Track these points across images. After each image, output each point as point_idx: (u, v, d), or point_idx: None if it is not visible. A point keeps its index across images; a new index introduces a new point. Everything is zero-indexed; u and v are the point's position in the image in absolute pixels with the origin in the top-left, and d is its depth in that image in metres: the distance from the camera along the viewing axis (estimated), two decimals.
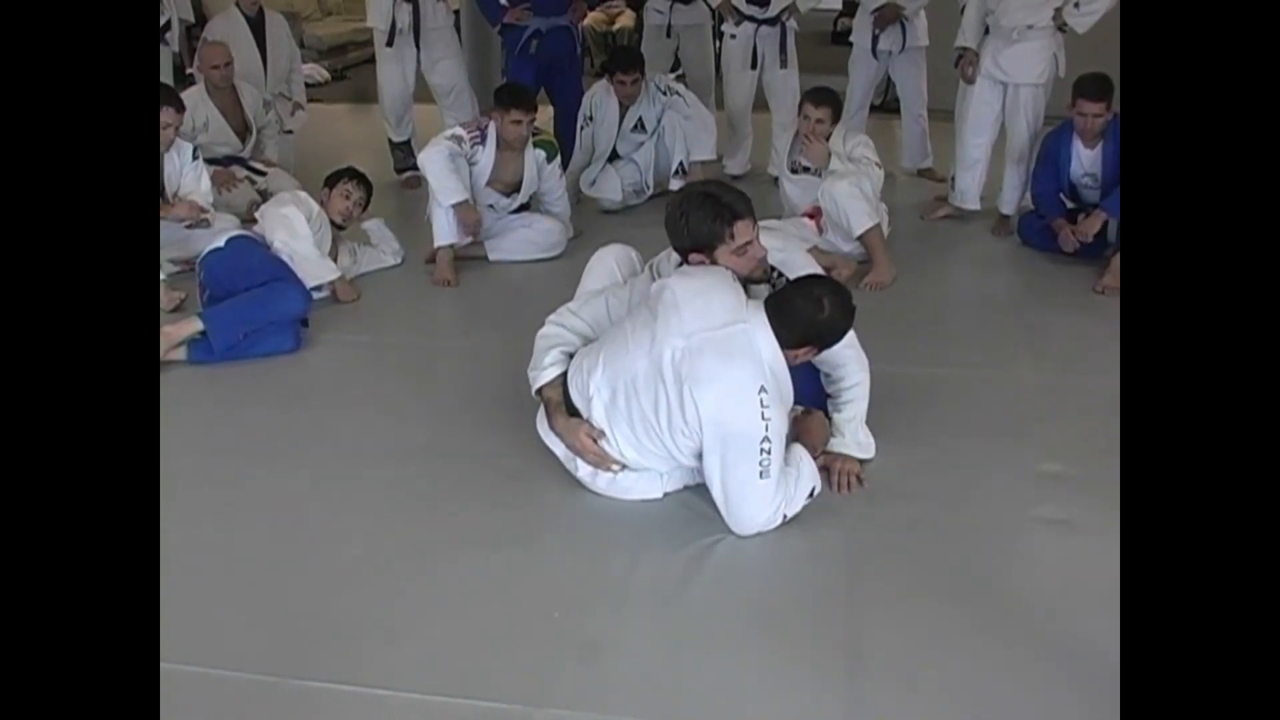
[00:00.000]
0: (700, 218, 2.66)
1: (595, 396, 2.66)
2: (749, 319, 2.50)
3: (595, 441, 2.67)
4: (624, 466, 2.69)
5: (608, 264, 3.09)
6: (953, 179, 5.15)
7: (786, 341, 2.50)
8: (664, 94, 5.25)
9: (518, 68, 5.47)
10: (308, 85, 6.50)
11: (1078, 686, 2.07)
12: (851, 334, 2.69)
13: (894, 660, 2.19)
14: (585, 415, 2.70)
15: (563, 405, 2.75)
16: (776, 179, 5.02)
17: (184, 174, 4.44)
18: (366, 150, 6.04)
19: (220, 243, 3.90)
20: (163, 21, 5.56)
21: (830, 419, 2.85)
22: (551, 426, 2.77)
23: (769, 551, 2.51)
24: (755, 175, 5.80)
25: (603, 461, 2.69)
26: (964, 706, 2.06)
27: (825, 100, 4.44)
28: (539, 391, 2.81)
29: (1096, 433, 2.93)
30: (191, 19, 6.37)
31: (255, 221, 4.24)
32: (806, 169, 4.55)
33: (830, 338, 2.58)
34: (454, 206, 4.35)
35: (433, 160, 4.37)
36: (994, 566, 2.48)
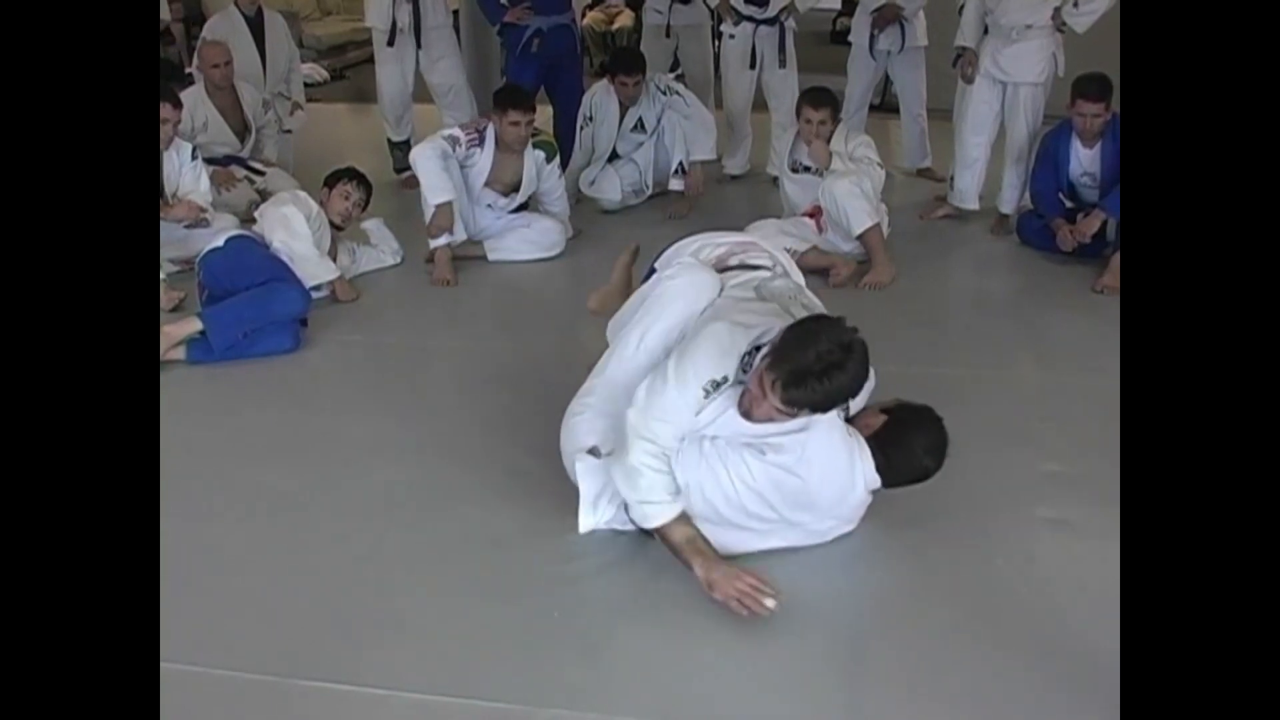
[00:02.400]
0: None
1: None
2: (858, 477, 2.43)
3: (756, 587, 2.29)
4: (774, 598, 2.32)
5: (682, 307, 2.59)
6: (952, 179, 5.15)
7: (887, 481, 2.47)
8: (664, 94, 5.25)
9: (519, 67, 5.47)
10: (307, 85, 6.49)
11: (1078, 687, 2.07)
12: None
13: (894, 660, 2.19)
14: None
15: (706, 543, 2.36)
16: (776, 179, 5.02)
17: (183, 174, 4.44)
18: (366, 150, 6.04)
19: (219, 242, 3.90)
20: None
21: None
22: (705, 576, 2.30)
23: (769, 551, 2.51)
24: (755, 175, 5.81)
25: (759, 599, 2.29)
26: (963, 706, 2.06)
27: (824, 102, 4.45)
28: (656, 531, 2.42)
29: (1096, 433, 2.93)
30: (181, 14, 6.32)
31: (254, 221, 4.24)
32: (807, 168, 4.56)
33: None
34: (436, 206, 4.36)
35: (425, 157, 4.38)
36: (994, 567, 2.48)
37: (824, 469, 2.39)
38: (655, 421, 2.37)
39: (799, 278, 2.84)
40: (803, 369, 2.14)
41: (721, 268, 2.75)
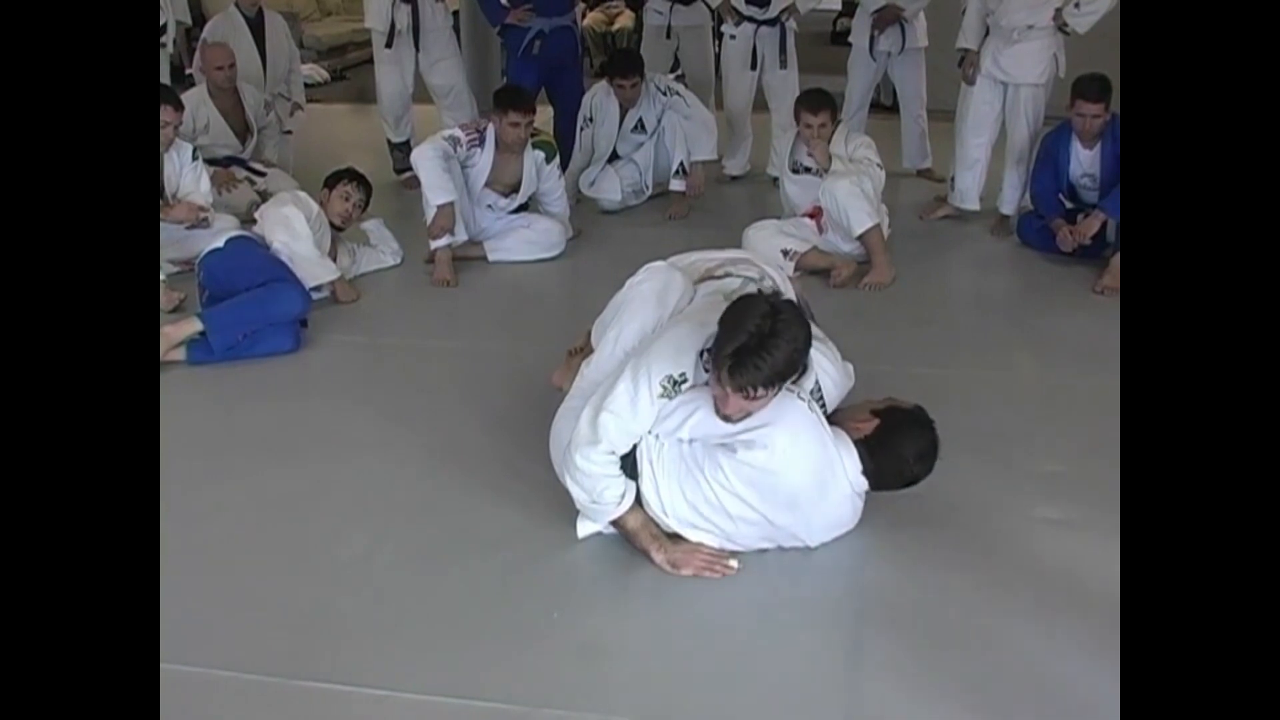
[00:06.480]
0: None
1: (688, 534, 2.49)
2: (840, 476, 2.41)
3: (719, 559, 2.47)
4: (733, 555, 2.49)
5: (653, 308, 2.65)
6: (952, 179, 5.15)
7: (875, 485, 2.48)
8: (664, 94, 5.25)
9: (520, 69, 5.47)
10: (307, 86, 6.50)
11: (1078, 688, 2.07)
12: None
13: (894, 660, 2.19)
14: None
15: (658, 527, 2.48)
16: (776, 179, 5.02)
17: (184, 175, 4.44)
18: (366, 150, 6.04)
19: (220, 243, 3.90)
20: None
21: None
22: (667, 559, 2.44)
23: (768, 551, 2.51)
24: (755, 175, 5.81)
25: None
26: (963, 707, 2.06)
27: (822, 105, 4.44)
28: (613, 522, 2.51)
29: (1096, 433, 2.93)
30: (189, 21, 6.36)
31: (255, 222, 4.24)
32: (808, 169, 4.55)
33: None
34: (437, 207, 4.38)
35: (425, 158, 4.39)
36: (994, 567, 2.48)
37: (797, 465, 2.38)
38: (604, 414, 2.39)
39: (789, 293, 2.80)
40: (741, 349, 2.17)
41: (705, 278, 2.76)
